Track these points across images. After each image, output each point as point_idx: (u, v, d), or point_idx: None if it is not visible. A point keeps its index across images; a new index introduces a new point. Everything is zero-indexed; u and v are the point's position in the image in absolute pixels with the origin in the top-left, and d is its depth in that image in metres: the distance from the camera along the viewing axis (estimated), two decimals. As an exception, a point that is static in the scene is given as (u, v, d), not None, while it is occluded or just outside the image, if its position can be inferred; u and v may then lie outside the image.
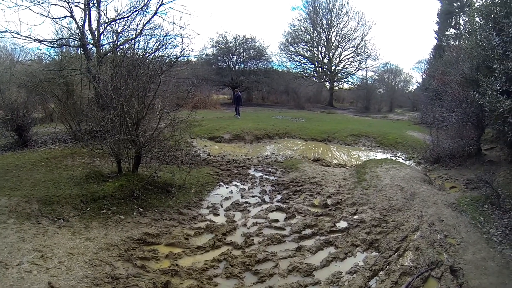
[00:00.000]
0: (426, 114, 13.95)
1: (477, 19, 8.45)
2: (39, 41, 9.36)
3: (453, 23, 27.88)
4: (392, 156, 11.38)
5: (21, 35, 8.97)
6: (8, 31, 8.81)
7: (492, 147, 10.50)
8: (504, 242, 4.56)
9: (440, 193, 6.70)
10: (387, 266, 4.13)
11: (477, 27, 8.14)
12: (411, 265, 4.14)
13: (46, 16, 9.35)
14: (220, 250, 4.44)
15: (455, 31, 27.64)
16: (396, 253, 4.42)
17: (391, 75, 37.37)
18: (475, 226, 5.05)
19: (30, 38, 9.13)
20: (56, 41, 9.77)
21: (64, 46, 10.25)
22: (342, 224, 5.36)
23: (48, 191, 5.30)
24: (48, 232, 4.37)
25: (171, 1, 10.45)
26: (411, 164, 10.05)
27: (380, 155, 11.41)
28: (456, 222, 5.18)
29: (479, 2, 7.37)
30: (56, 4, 9.47)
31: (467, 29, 16.18)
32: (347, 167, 9.17)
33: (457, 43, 24.12)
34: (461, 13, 26.50)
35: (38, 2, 9.07)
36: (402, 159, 10.86)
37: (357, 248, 4.61)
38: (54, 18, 9.59)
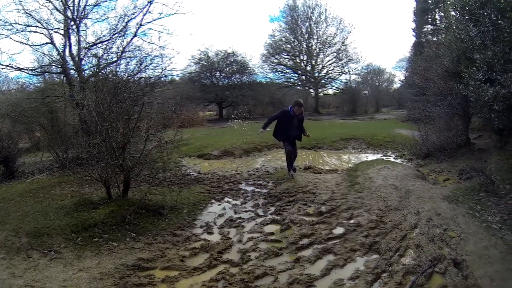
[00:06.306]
0: (412, 110, 14.08)
1: (452, 13, 8.59)
2: (20, 69, 9.34)
3: (429, 19, 28.58)
4: (382, 156, 11.39)
5: (2, 64, 8.94)
6: None
7: (479, 135, 10.61)
8: (504, 228, 4.50)
9: (434, 187, 6.67)
10: (389, 268, 4.03)
11: (453, 21, 8.26)
12: (413, 263, 4.05)
13: (26, 44, 9.33)
14: (217, 269, 4.28)
15: (432, 27, 28.30)
16: (397, 253, 4.34)
17: (375, 76, 37.94)
18: (473, 216, 5.00)
19: (11, 67, 9.11)
20: (37, 68, 9.73)
21: (46, 73, 10.17)
22: (339, 230, 5.25)
23: (37, 222, 5.12)
24: (39, 265, 4.19)
25: (150, 22, 10.49)
26: (402, 161, 10.06)
27: (370, 157, 11.40)
28: (454, 214, 5.13)
29: (453, -4, 7.48)
30: (36, 32, 9.49)
31: (444, 24, 16.51)
32: (339, 172, 9.11)
33: (435, 39, 24.62)
34: (437, 9, 27.18)
35: (18, 30, 9.04)
36: (393, 158, 10.87)
37: (356, 253, 4.50)
38: (35, 46, 9.59)
